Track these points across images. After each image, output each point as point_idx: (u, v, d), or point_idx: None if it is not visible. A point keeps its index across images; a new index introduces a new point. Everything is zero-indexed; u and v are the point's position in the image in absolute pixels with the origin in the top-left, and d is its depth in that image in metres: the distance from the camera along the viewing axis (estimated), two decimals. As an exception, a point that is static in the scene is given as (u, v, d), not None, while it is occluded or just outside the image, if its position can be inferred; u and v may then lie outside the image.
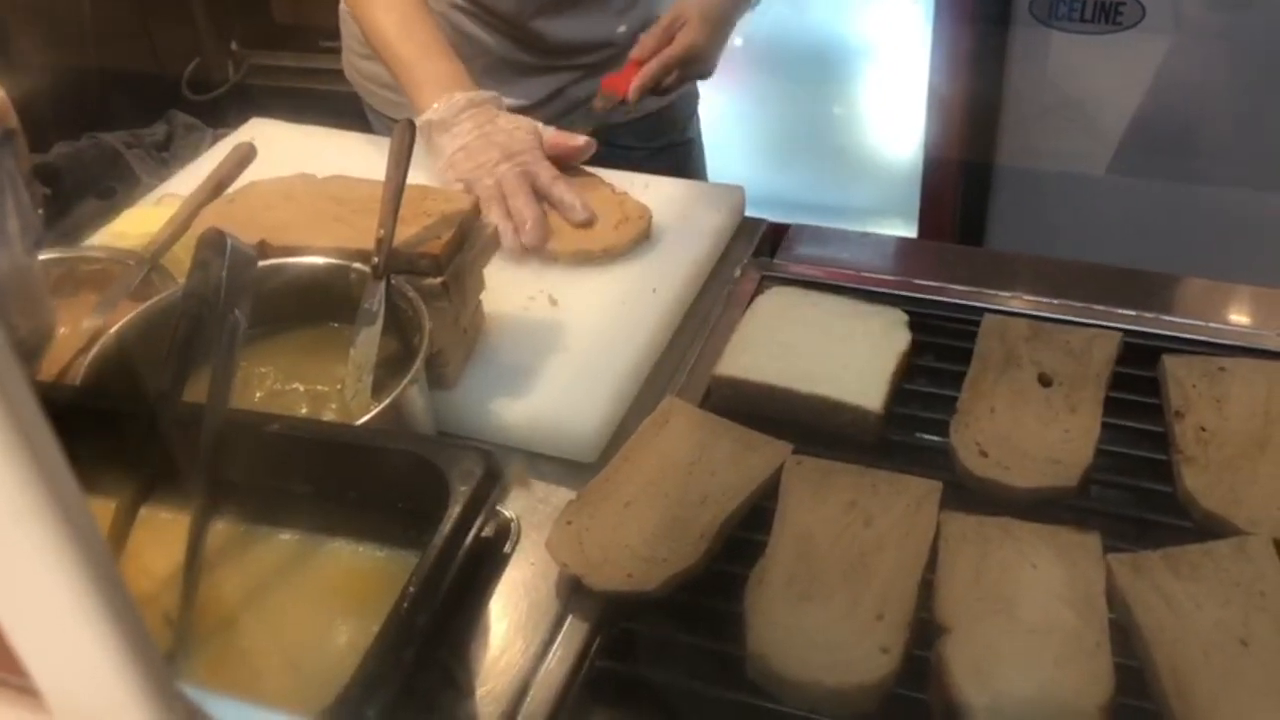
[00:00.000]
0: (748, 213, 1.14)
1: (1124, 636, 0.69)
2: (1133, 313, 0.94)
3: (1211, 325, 0.93)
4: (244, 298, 0.59)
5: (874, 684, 0.66)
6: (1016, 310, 0.95)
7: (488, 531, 0.56)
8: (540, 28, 1.31)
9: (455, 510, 0.54)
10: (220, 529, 0.59)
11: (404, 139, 0.86)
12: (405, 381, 0.73)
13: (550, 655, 0.69)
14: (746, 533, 0.77)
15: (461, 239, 0.87)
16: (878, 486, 0.78)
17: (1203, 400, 0.83)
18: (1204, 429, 0.81)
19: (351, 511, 0.58)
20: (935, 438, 0.84)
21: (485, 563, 0.56)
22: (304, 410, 0.77)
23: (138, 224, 1.03)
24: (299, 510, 0.59)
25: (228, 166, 0.93)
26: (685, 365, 0.95)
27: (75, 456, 0.62)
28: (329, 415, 0.75)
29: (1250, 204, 1.85)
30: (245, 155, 0.94)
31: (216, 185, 0.91)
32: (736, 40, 1.45)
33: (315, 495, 0.58)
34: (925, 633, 0.69)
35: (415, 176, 0.89)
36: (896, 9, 2.23)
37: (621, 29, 1.36)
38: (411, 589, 0.49)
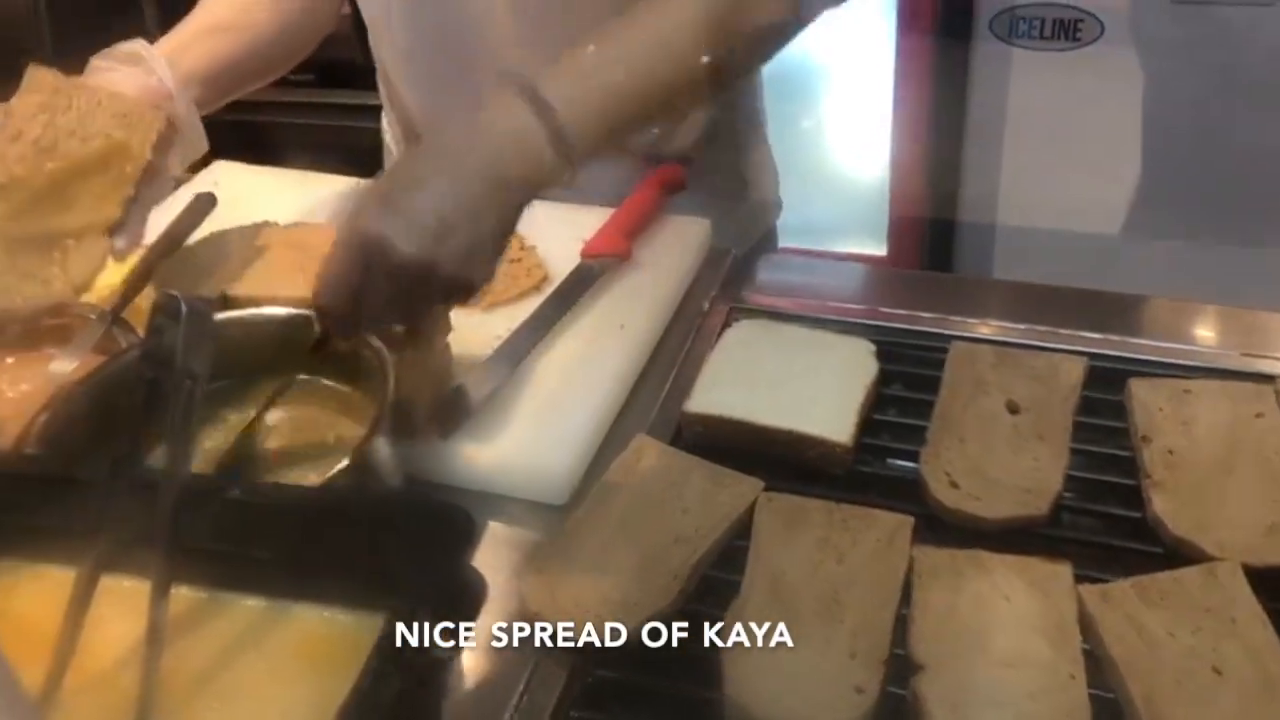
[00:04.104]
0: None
1: (1098, 667, 0.69)
2: (1099, 336, 0.95)
3: (1177, 346, 0.94)
4: (201, 359, 0.59)
5: (850, 725, 0.65)
6: (983, 337, 0.95)
7: (456, 590, 0.55)
8: None
9: (418, 573, 0.53)
10: (183, 596, 0.58)
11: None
12: (369, 434, 0.72)
13: (524, 707, 0.69)
14: (720, 572, 0.77)
15: (426, 284, 0.86)
16: (848, 522, 0.78)
17: (1169, 423, 0.84)
18: (1171, 452, 0.81)
19: (315, 575, 0.57)
20: (907, 468, 0.84)
21: (454, 621, 0.56)
22: (271, 467, 0.76)
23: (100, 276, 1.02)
24: (263, 575, 0.58)
25: (187, 217, 0.93)
26: (655, 402, 0.94)
27: (35, 525, 0.62)
28: (295, 472, 0.75)
29: (1212, 214, 1.88)
30: (205, 205, 0.93)
31: (176, 237, 0.90)
32: (703, 59, 1.36)
33: (278, 559, 0.58)
34: (900, 670, 0.69)
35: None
36: (861, 28, 2.25)
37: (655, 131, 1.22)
38: (373, 664, 0.48)
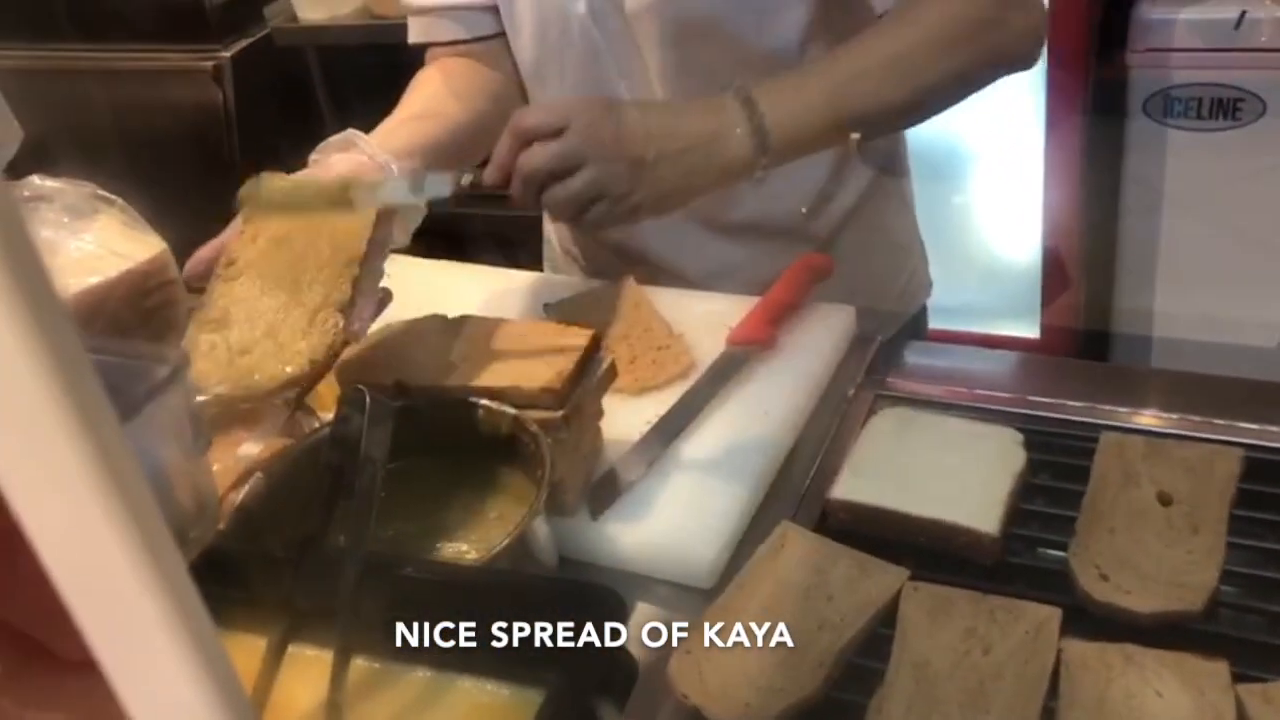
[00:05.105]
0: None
1: (1258, 770, 0.67)
2: (1256, 426, 0.93)
3: (1342, 437, 0.91)
4: (381, 446, 0.65)
5: (996, 819, 0.66)
6: (1134, 427, 0.95)
7: (608, 668, 0.59)
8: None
9: (574, 652, 0.57)
10: (358, 666, 0.63)
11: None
12: (529, 515, 0.77)
13: (672, 786, 0.71)
14: (864, 660, 0.78)
15: (581, 372, 0.91)
16: (995, 613, 0.78)
17: (1334, 518, 0.81)
18: (1336, 549, 0.79)
19: (477, 649, 0.61)
20: (1055, 559, 0.84)
21: (606, 698, 0.59)
22: (436, 544, 0.82)
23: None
24: (430, 648, 0.62)
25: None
26: (800, 488, 0.96)
27: (230, 596, 0.68)
28: (458, 548, 0.80)
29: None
30: (382, 301, 1.01)
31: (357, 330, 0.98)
32: (853, 135, 1.35)
33: (445, 633, 0.62)
34: (1048, 764, 0.68)
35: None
36: (1010, 108, 2.25)
37: (804, 210, 1.28)
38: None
